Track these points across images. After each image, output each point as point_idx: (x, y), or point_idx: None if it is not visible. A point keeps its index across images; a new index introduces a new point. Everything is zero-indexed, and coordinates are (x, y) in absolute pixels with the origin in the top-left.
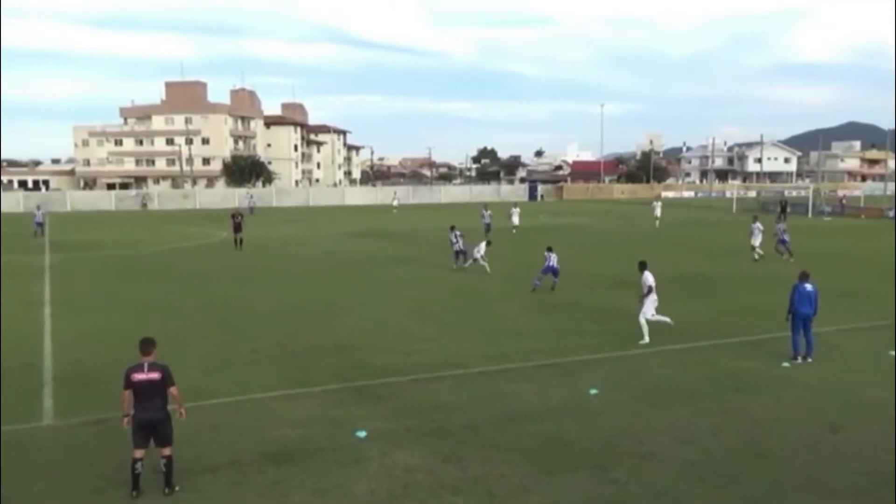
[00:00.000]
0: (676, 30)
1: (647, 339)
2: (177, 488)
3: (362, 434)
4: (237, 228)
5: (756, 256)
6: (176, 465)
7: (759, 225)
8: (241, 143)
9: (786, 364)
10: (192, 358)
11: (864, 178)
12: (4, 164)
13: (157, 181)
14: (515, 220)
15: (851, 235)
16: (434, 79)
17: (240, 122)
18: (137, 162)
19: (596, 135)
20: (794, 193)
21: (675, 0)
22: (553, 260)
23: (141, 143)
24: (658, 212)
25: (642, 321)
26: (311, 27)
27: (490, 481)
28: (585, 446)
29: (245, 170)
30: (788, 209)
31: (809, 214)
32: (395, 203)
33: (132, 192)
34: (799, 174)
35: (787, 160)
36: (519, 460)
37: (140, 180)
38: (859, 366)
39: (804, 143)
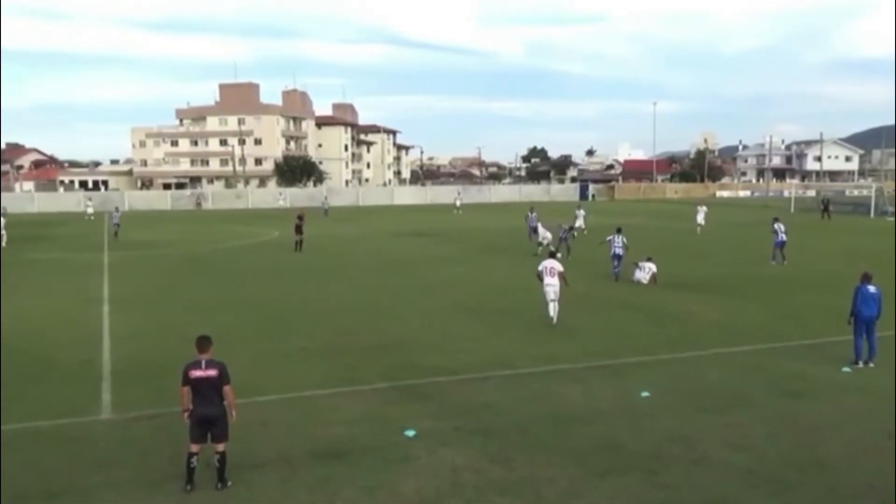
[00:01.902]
0: (730, 25)
1: None
2: (229, 483)
3: (411, 433)
4: (298, 230)
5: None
6: (228, 461)
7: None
8: (292, 144)
9: (846, 369)
10: (244, 354)
11: None
12: (66, 164)
13: (210, 181)
14: (580, 222)
15: None
16: (482, 78)
17: (291, 123)
18: (192, 162)
19: (648, 133)
20: (856, 192)
21: None
22: (618, 244)
23: (196, 143)
24: (701, 217)
25: None
26: (360, 28)
27: (538, 483)
28: (635, 450)
29: (297, 170)
30: (832, 207)
31: (872, 215)
32: (458, 203)
33: (187, 191)
34: (861, 173)
35: (848, 158)
36: (567, 463)
37: (195, 180)
38: None
39: (867, 140)
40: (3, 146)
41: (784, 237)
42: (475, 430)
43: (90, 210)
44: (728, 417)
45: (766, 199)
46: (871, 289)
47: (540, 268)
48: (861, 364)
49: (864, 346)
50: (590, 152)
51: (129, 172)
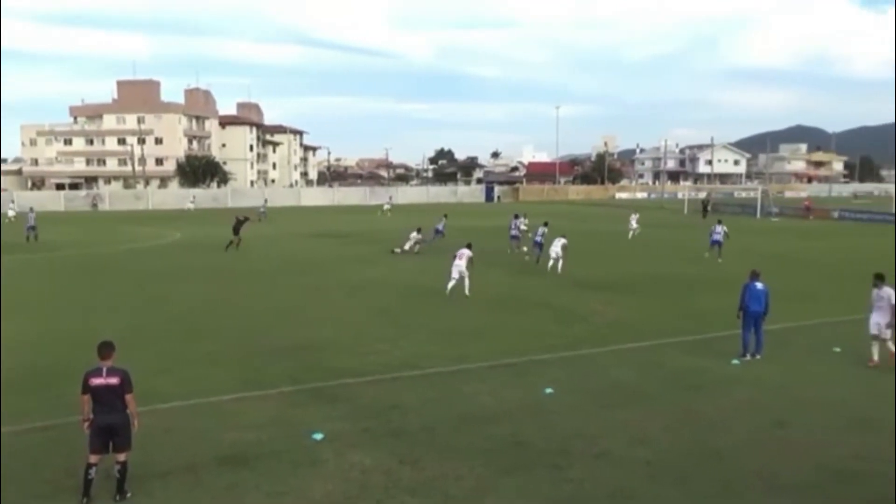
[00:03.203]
0: (633, 33)
1: None
2: (128, 494)
3: (318, 436)
4: (236, 231)
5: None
6: (129, 471)
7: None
8: (195, 143)
9: (736, 362)
10: (146, 359)
11: (809, 180)
12: None
13: (108, 181)
14: (634, 223)
15: (799, 236)
16: (392, 80)
17: (194, 122)
18: (88, 162)
19: (552, 136)
20: (744, 195)
21: (633, 3)
22: (538, 234)
23: (91, 142)
24: (635, 224)
25: None
26: (267, 27)
27: (446, 482)
28: (541, 447)
29: (199, 170)
30: (709, 208)
31: (758, 215)
32: (388, 206)
33: (82, 192)
34: (748, 176)
35: (736, 162)
36: (475, 461)
37: (91, 180)
38: (805, 363)
39: (753, 145)
40: None
41: (719, 237)
42: (384, 431)
43: (11, 213)
44: (629, 412)
45: (662, 201)
46: (759, 285)
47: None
48: (748, 357)
49: (751, 339)
50: (495, 154)
51: (19, 172)
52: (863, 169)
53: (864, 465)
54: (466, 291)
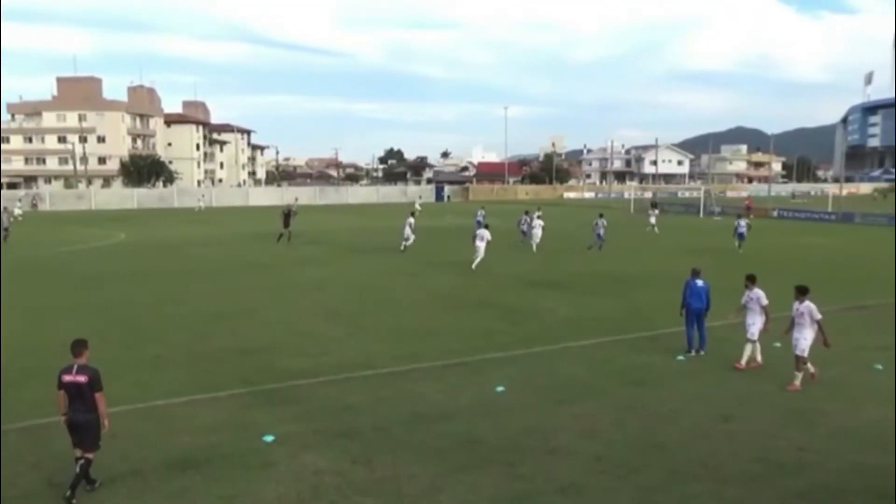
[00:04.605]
0: (579, 35)
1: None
2: (88, 488)
3: (270, 438)
4: (286, 223)
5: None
6: (87, 471)
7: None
8: (139, 142)
9: (681, 358)
10: (92, 362)
11: (750, 180)
12: None
13: (48, 181)
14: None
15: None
16: (342, 79)
17: (138, 120)
18: (27, 160)
19: (501, 137)
20: (687, 195)
21: (579, 6)
22: (600, 226)
23: (30, 140)
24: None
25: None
26: (214, 24)
27: (400, 482)
28: (494, 444)
29: (144, 169)
30: (657, 209)
31: (701, 214)
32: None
33: (21, 191)
34: (691, 176)
35: (680, 162)
36: (429, 460)
37: (30, 180)
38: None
39: (696, 146)
40: None
41: (743, 230)
42: (336, 432)
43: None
44: (579, 408)
45: (609, 201)
46: (699, 283)
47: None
48: (693, 353)
49: (695, 335)
50: (445, 154)
51: None
52: (800, 169)
53: (805, 456)
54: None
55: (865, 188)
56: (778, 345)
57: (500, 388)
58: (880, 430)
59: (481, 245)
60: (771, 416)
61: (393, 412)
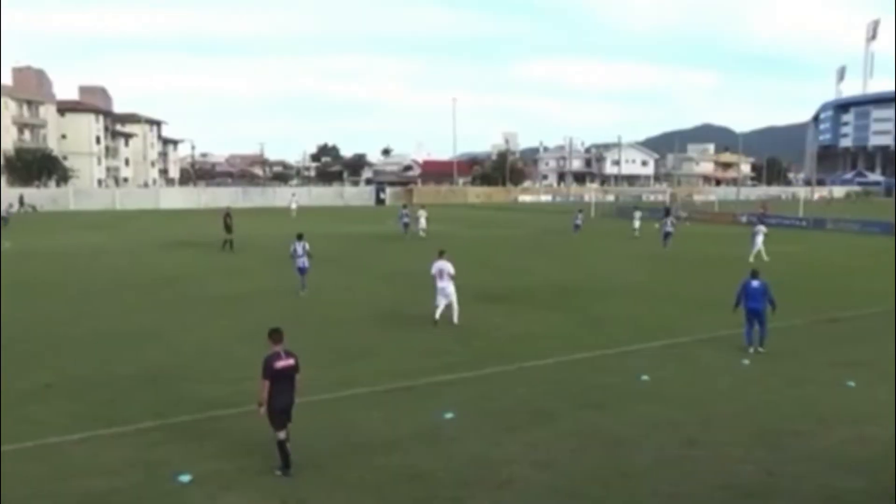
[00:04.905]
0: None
1: None
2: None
3: (185, 478)
4: (229, 228)
5: None
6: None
7: None
8: (27, 133)
9: (645, 377)
10: None
11: (718, 182)
12: None
13: None
14: (423, 223)
15: (707, 241)
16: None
17: (25, 108)
18: None
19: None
20: (652, 198)
21: None
22: (669, 224)
23: None
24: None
25: None
26: None
27: None
28: (439, 478)
29: (33, 165)
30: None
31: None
32: (294, 206)
33: None
34: (657, 177)
35: (644, 163)
36: (366, 498)
37: None
38: (715, 376)
39: (661, 145)
40: None
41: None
42: (263, 469)
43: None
44: (533, 435)
45: (568, 205)
46: (755, 283)
47: (433, 271)
48: (752, 350)
49: (755, 334)
50: (386, 151)
51: None
52: (770, 170)
53: (774, 480)
54: (455, 319)
55: (838, 191)
56: (746, 362)
57: (448, 415)
58: (852, 451)
59: (449, 286)
60: (737, 438)
61: (327, 444)
